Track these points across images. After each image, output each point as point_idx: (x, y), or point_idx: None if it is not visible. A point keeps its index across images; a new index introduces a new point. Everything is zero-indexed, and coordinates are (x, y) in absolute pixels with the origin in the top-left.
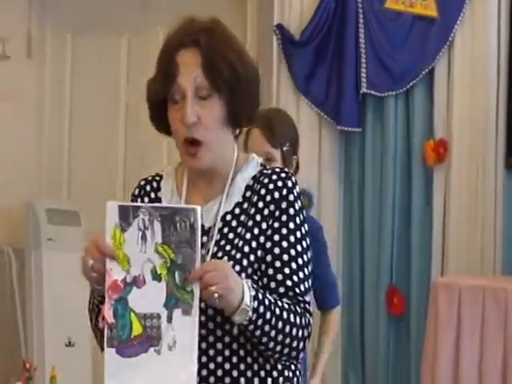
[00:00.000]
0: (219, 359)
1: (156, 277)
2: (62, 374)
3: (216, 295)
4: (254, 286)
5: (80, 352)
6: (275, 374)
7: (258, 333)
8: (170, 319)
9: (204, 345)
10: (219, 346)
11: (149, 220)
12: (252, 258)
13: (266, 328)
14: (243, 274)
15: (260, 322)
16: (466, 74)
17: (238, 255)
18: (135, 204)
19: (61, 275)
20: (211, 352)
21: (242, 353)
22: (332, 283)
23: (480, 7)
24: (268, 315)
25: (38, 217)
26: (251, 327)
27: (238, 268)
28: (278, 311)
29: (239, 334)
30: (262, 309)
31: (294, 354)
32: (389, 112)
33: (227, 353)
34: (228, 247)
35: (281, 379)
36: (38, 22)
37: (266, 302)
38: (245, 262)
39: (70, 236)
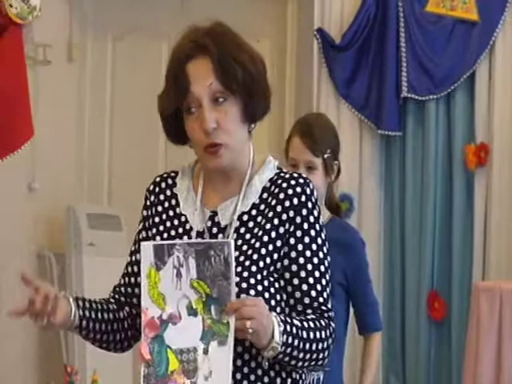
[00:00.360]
0: None
1: (192, 312)
2: (102, 378)
3: (250, 330)
4: (283, 318)
5: (121, 356)
6: None
7: (286, 359)
8: (206, 351)
9: (239, 375)
10: (252, 377)
11: (183, 257)
12: (268, 260)
13: (295, 353)
14: (259, 275)
15: (289, 350)
16: (508, 78)
17: (255, 256)
18: (170, 242)
19: (101, 280)
20: (245, 383)
21: None
22: (372, 301)
23: None
24: (296, 342)
25: (78, 222)
26: (280, 356)
27: (254, 269)
28: (305, 335)
29: (269, 368)
30: (290, 339)
31: (320, 362)
32: (430, 116)
33: None
34: (245, 247)
35: None
36: (79, 26)
37: (294, 330)
38: (261, 264)
39: (111, 241)
